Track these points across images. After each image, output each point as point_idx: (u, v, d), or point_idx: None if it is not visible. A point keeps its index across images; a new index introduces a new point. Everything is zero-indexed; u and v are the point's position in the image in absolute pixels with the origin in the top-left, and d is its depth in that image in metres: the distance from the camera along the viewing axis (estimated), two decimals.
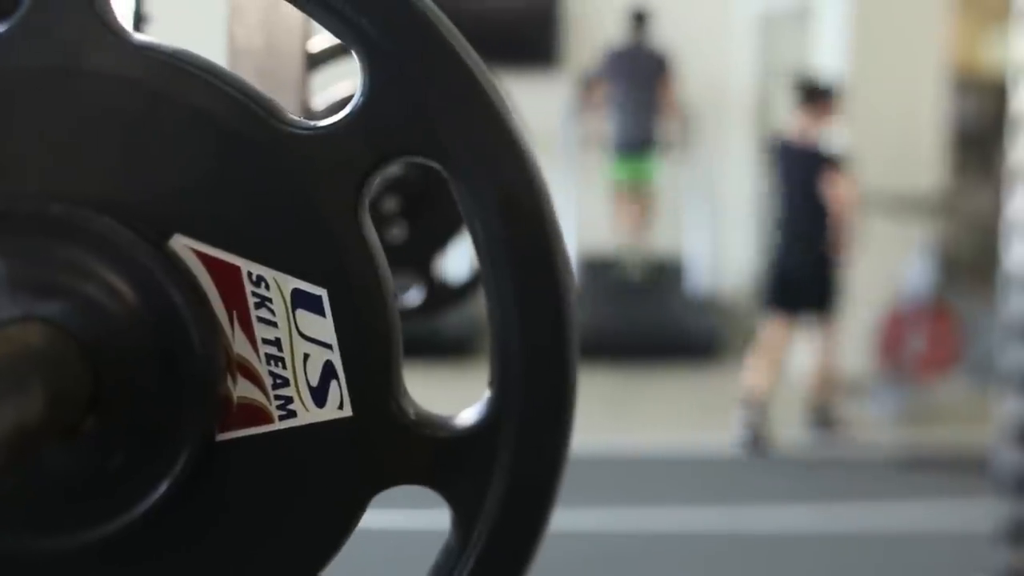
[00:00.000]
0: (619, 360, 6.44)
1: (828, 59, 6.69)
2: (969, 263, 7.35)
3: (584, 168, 7.61)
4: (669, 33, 7.66)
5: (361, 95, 0.44)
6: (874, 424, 5.68)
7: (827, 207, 5.28)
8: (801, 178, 5.38)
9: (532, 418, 0.46)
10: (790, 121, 5.72)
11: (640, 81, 7.39)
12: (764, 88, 8.07)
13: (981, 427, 4.66)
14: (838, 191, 5.32)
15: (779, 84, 7.78)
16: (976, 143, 9.40)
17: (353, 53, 0.44)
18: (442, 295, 1.73)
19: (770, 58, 8.07)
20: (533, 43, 8.00)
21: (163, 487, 0.45)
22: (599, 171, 7.68)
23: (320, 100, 1.59)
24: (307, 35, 1.24)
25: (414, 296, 1.73)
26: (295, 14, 1.21)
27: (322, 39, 1.53)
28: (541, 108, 6.97)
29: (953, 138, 6.97)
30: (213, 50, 0.74)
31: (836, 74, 6.27)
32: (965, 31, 8.37)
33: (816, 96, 5.51)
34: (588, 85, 7.50)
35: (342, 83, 1.66)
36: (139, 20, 1.10)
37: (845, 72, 6.37)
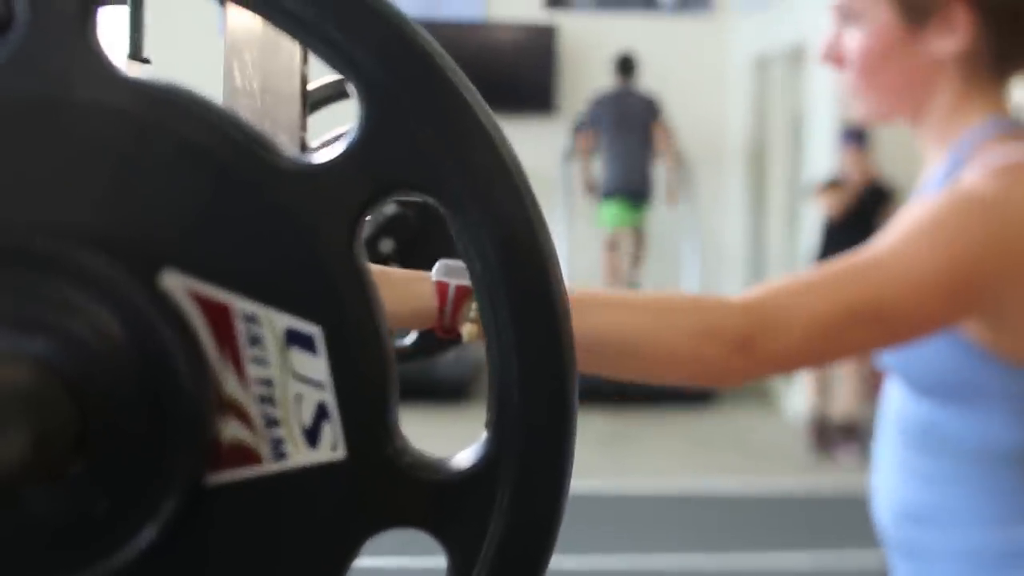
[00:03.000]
0: (615, 402, 6.43)
1: (822, 102, 6.74)
2: None
3: (578, 212, 7.64)
4: (664, 78, 7.71)
5: (359, 130, 0.43)
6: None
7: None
8: (856, 212, 5.70)
9: (530, 460, 0.45)
10: (843, 161, 6.01)
11: (630, 127, 7.46)
12: (758, 131, 8.11)
13: None
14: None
15: (773, 127, 7.83)
16: None
17: (352, 88, 0.43)
18: (437, 337, 1.72)
19: (764, 102, 8.13)
20: (530, 90, 8.08)
21: (150, 532, 0.44)
22: (592, 215, 7.71)
23: (317, 141, 1.58)
24: (305, 76, 1.24)
25: (409, 337, 1.73)
26: (293, 55, 1.21)
27: (320, 80, 1.53)
28: (538, 153, 7.02)
29: None
30: (210, 90, 0.73)
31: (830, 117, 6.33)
32: None
33: (861, 138, 5.81)
34: (578, 133, 7.58)
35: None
36: (136, 61, 1.10)
37: (839, 116, 6.42)
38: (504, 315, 0.44)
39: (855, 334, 1.16)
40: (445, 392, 6.54)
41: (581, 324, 1.06)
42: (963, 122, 1.33)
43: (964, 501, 1.35)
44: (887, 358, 1.35)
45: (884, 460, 1.45)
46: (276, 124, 1.20)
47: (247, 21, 0.92)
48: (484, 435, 0.45)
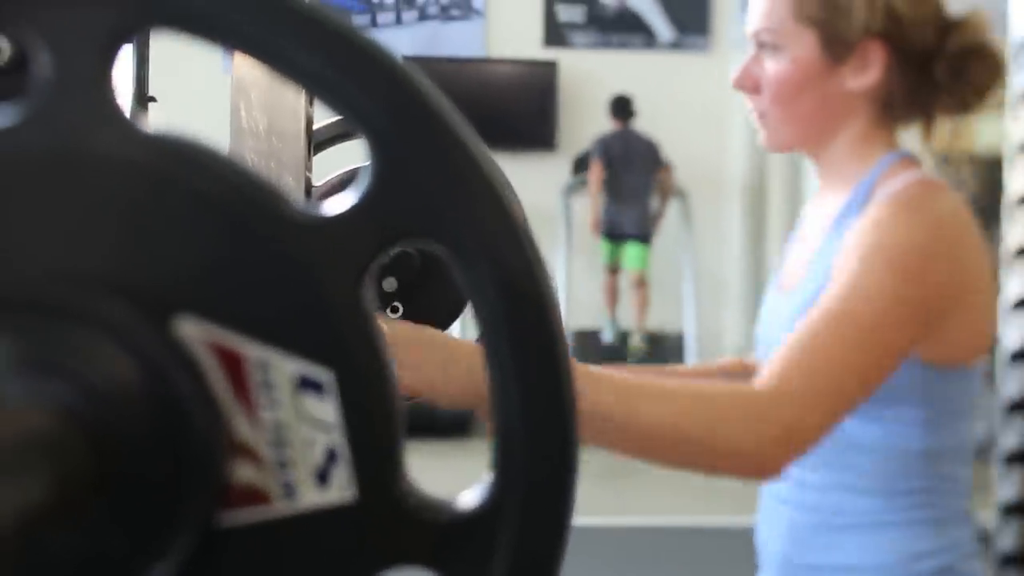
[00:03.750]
0: None
1: None
2: None
3: (577, 247, 7.68)
4: (663, 113, 7.76)
5: (369, 182, 0.45)
6: None
7: None
8: None
9: (534, 501, 0.46)
10: None
11: (635, 168, 7.51)
12: (757, 166, 8.15)
13: (980, 505, 4.64)
14: None
15: (772, 161, 7.86)
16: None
17: (363, 139, 0.45)
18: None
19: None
20: (530, 126, 8.12)
21: (163, 573, 0.45)
22: (592, 250, 7.75)
23: (322, 182, 1.60)
24: (310, 117, 1.26)
25: None
26: (299, 96, 1.23)
27: (324, 121, 1.55)
28: (538, 188, 7.06)
29: None
30: (214, 127, 0.75)
31: None
32: None
33: None
34: (590, 163, 7.62)
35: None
36: (143, 101, 1.12)
37: None
38: (507, 360, 0.45)
39: (865, 397, 1.23)
40: (446, 428, 6.54)
41: (633, 416, 1.10)
42: (867, 159, 1.41)
43: (869, 511, 1.37)
44: None
45: (771, 498, 1.48)
46: (281, 164, 1.22)
47: (254, 62, 0.94)
48: (488, 476, 0.47)
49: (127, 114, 0.46)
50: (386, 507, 0.47)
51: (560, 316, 0.46)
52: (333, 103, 0.45)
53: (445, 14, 8.43)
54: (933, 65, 1.40)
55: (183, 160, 0.46)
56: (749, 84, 1.41)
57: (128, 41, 0.46)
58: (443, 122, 0.45)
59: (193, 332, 0.45)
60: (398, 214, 0.45)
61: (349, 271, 0.46)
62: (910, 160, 1.43)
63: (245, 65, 1.12)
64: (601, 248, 7.61)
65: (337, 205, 0.46)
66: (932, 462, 1.36)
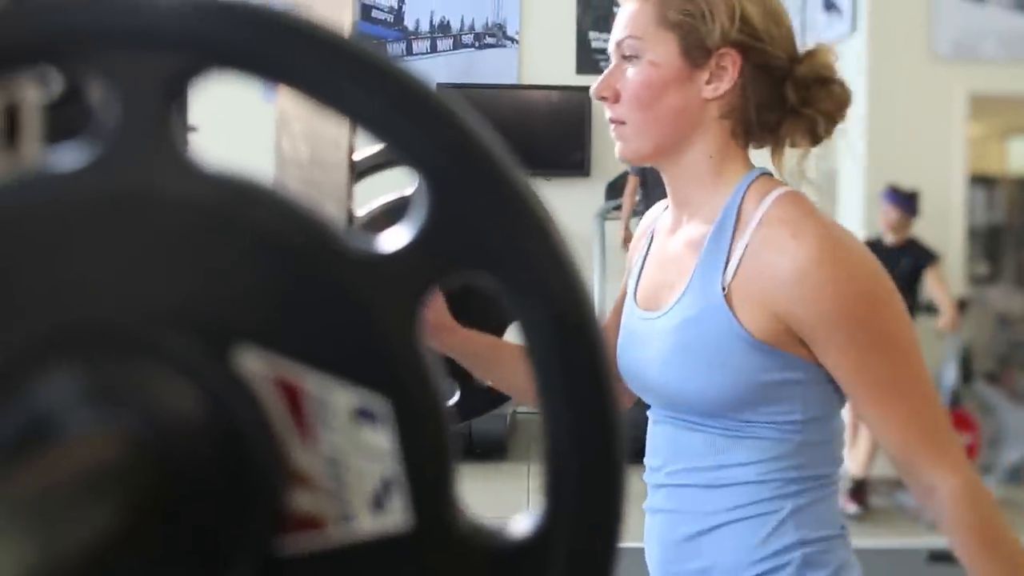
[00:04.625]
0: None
1: (855, 160, 6.76)
2: (986, 356, 7.36)
3: (611, 269, 7.67)
4: None
5: (424, 218, 0.47)
6: (908, 517, 5.67)
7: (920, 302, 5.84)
8: (904, 272, 5.79)
9: (586, 526, 0.47)
10: (885, 221, 6.09)
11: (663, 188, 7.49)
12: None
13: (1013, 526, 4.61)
14: (942, 284, 5.76)
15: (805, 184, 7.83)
16: (987, 236, 9.41)
17: (416, 175, 0.47)
18: (479, 399, 1.76)
19: (791, 159, 8.14)
20: (564, 151, 8.15)
21: None
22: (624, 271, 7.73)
23: (363, 210, 1.62)
24: (351, 147, 1.28)
25: (450, 400, 1.75)
26: (341, 126, 1.25)
27: (365, 151, 1.57)
28: (572, 212, 7.08)
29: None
30: (256, 158, 0.77)
31: (862, 175, 6.37)
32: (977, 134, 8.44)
33: (906, 201, 5.88)
34: (617, 191, 7.61)
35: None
36: (185, 130, 1.13)
37: (865, 174, 6.45)
38: (558, 389, 0.47)
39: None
40: (483, 450, 6.54)
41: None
42: (726, 176, 1.46)
43: (729, 509, 1.42)
44: (664, 405, 1.48)
45: (648, 510, 1.51)
46: (324, 193, 1.24)
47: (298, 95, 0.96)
48: (539, 502, 0.48)
49: (190, 153, 0.48)
50: (440, 533, 0.48)
51: (607, 348, 0.47)
52: (389, 141, 0.47)
53: (480, 42, 8.47)
54: (784, 87, 1.45)
55: (245, 199, 0.47)
56: (609, 93, 1.45)
57: (192, 83, 0.48)
58: (495, 160, 0.46)
59: (254, 365, 0.47)
60: (452, 248, 0.47)
61: (404, 304, 0.47)
62: (769, 176, 1.47)
63: (288, 97, 1.14)
64: None
65: (391, 240, 0.47)
66: (801, 456, 1.40)
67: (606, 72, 1.47)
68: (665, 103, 1.42)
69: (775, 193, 1.40)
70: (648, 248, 1.60)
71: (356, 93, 0.46)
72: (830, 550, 1.42)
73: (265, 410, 0.47)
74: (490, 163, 0.46)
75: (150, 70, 0.47)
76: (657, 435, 1.51)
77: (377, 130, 0.47)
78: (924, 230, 6.32)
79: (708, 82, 1.42)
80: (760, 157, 1.51)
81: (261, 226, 0.47)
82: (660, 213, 1.60)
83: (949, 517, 1.33)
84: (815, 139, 1.49)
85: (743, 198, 1.42)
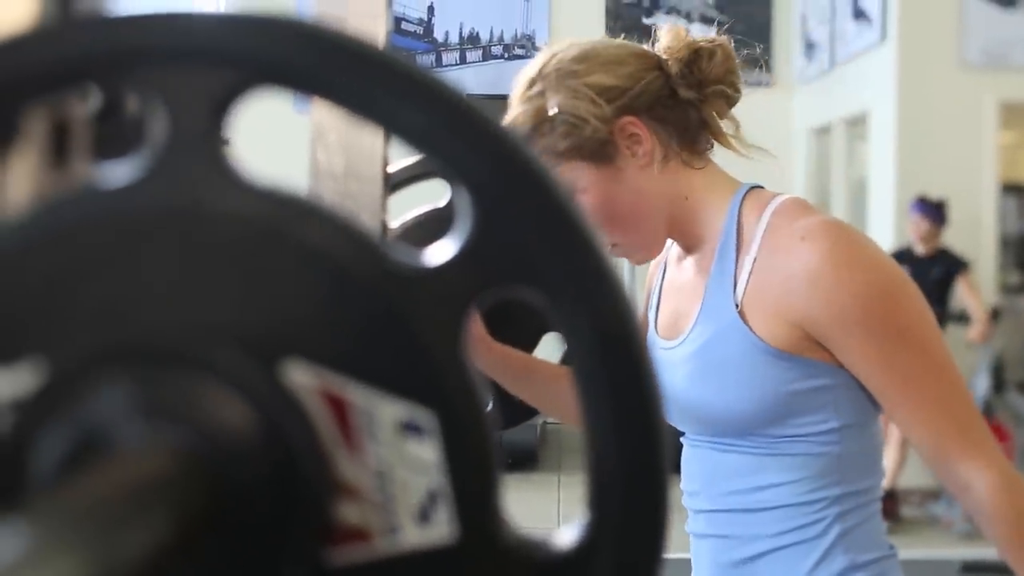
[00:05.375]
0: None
1: (884, 169, 6.75)
2: (1019, 366, 7.31)
3: (640, 282, 7.67)
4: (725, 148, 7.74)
5: (469, 233, 0.47)
6: (940, 528, 5.64)
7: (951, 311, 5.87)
8: (935, 282, 5.79)
9: (630, 538, 0.47)
10: (915, 232, 6.10)
11: None
12: (820, 198, 8.12)
13: None
14: (974, 292, 5.77)
15: (835, 194, 7.82)
16: (1019, 245, 9.36)
17: (460, 190, 0.47)
18: (511, 411, 1.76)
19: (825, 169, 8.14)
20: None
21: None
22: None
23: (396, 223, 1.63)
24: (386, 159, 1.28)
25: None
26: (376, 138, 1.25)
27: (400, 162, 1.58)
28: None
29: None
30: (288, 169, 0.77)
31: (892, 184, 6.35)
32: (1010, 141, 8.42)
33: (940, 211, 5.89)
34: None
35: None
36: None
37: (896, 183, 6.44)
38: (604, 403, 0.47)
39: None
40: (513, 460, 6.55)
41: None
42: (715, 204, 1.46)
43: (779, 533, 1.40)
44: (705, 427, 1.46)
45: (693, 536, 1.50)
46: (358, 205, 1.24)
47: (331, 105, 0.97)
48: (584, 515, 0.48)
49: (239, 168, 0.49)
50: (486, 545, 0.48)
51: (652, 362, 0.48)
52: (435, 156, 0.47)
53: (509, 53, 8.50)
54: (677, 95, 1.45)
55: (293, 213, 0.48)
56: None
57: (241, 99, 0.49)
58: (539, 174, 0.47)
59: (302, 378, 0.48)
60: (497, 262, 0.47)
61: (449, 318, 0.48)
62: (758, 188, 1.47)
63: (324, 109, 1.15)
64: None
65: (437, 255, 0.48)
66: (841, 470, 1.39)
67: None
68: (622, 209, 1.44)
69: (774, 204, 1.41)
70: (663, 278, 1.61)
71: (403, 109, 0.47)
72: (883, 573, 1.41)
73: (313, 423, 0.48)
74: (534, 177, 0.47)
75: (199, 86, 0.48)
76: (692, 460, 1.51)
77: (423, 145, 0.47)
78: (955, 239, 6.30)
79: (632, 156, 1.43)
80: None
81: (309, 241, 0.48)
82: (670, 245, 1.61)
83: (987, 511, 1.31)
84: (730, 101, 1.49)
85: (740, 215, 1.42)
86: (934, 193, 6.27)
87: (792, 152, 8.21)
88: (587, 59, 1.44)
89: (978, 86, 6.64)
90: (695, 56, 1.46)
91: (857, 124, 7.60)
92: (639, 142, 1.43)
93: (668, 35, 1.48)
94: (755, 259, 1.38)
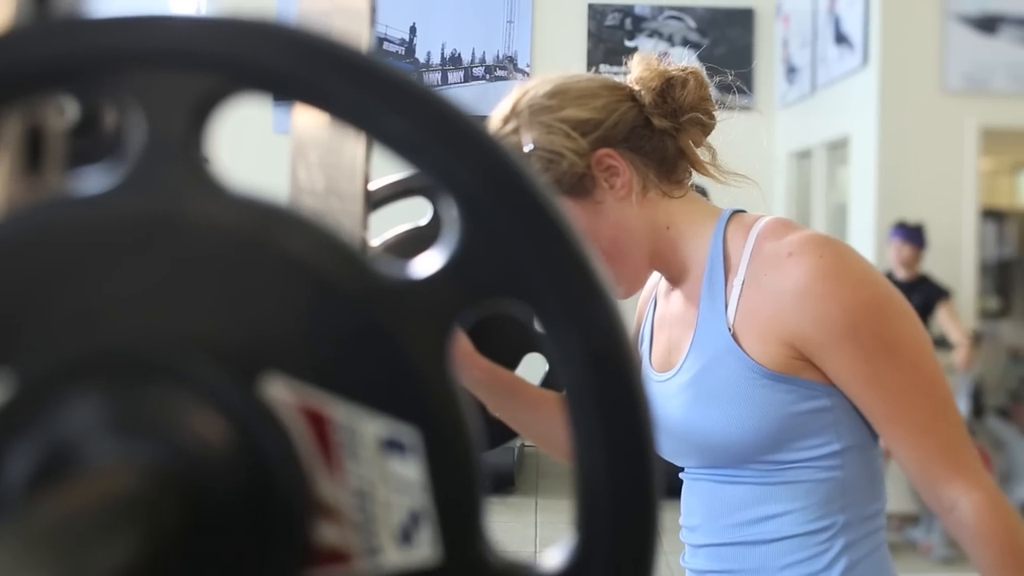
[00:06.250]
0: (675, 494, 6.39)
1: (864, 193, 6.76)
2: (998, 391, 7.34)
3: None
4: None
5: (457, 243, 0.46)
6: (918, 553, 5.65)
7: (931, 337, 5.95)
8: (915, 308, 5.85)
9: (620, 562, 0.46)
10: (896, 257, 6.11)
11: None
12: (800, 221, 8.14)
13: None
14: (955, 320, 5.77)
15: (815, 217, 7.84)
16: (998, 271, 9.40)
17: (452, 203, 0.46)
18: (491, 431, 1.74)
19: (806, 192, 8.16)
20: None
21: None
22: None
23: (376, 241, 1.62)
24: (368, 176, 1.27)
25: None
26: (357, 155, 1.24)
27: (381, 180, 1.57)
28: None
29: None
30: (275, 190, 0.76)
31: (872, 207, 6.37)
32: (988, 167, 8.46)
33: (915, 234, 5.90)
34: None
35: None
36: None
37: (876, 207, 6.45)
38: (593, 420, 0.45)
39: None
40: (491, 482, 6.52)
41: None
42: (699, 231, 1.46)
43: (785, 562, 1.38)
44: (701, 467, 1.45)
45: (690, 571, 1.49)
46: (339, 223, 1.23)
47: (313, 122, 0.95)
48: (572, 536, 0.47)
49: (218, 176, 0.47)
50: (470, 568, 0.47)
51: (641, 375, 0.46)
52: (423, 165, 0.46)
53: (491, 75, 8.51)
54: (652, 124, 1.45)
55: (273, 223, 0.46)
56: None
57: (220, 105, 0.47)
58: (530, 186, 0.45)
59: (280, 393, 0.46)
60: (485, 275, 0.46)
61: (435, 332, 0.46)
62: (740, 212, 1.47)
63: (305, 125, 1.13)
64: None
65: (423, 267, 0.46)
66: (846, 496, 1.37)
67: None
68: (603, 241, 1.43)
69: (758, 225, 1.40)
70: (654, 312, 1.60)
71: (389, 116, 0.45)
72: None
73: (292, 440, 0.46)
74: (525, 189, 0.45)
75: (177, 92, 0.46)
76: (692, 494, 1.49)
77: (410, 154, 0.46)
78: (935, 264, 6.31)
79: (610, 189, 1.42)
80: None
81: (289, 251, 0.46)
82: (659, 279, 1.60)
83: (972, 531, 1.29)
84: (706, 128, 1.49)
85: (724, 240, 1.42)
86: (914, 218, 6.28)
87: (773, 176, 8.22)
88: (559, 94, 1.43)
89: (959, 111, 6.67)
90: (668, 85, 1.45)
91: (838, 148, 7.62)
92: (616, 174, 1.42)
93: (640, 65, 1.48)
94: (743, 281, 1.37)
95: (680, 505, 1.51)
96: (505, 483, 6.71)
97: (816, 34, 7.77)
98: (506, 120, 1.44)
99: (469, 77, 8.50)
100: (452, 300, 0.46)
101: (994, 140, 7.00)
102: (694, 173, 1.50)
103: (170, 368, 0.45)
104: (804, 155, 8.21)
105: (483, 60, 8.58)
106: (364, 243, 1.34)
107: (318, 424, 0.46)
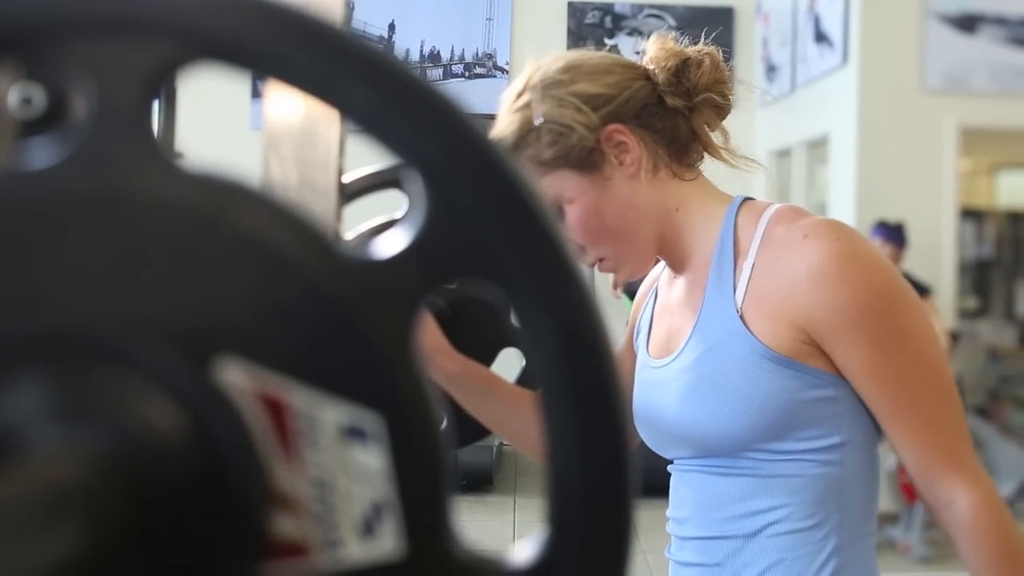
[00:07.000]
0: (650, 494, 6.39)
1: (843, 192, 6.77)
2: (976, 390, 7.36)
3: (605, 305, 7.68)
4: None
5: (423, 221, 0.43)
6: (896, 552, 5.66)
7: None
8: None
9: (592, 555, 0.44)
10: None
11: None
12: None
13: None
14: (934, 317, 5.76)
15: None
16: (976, 270, 9.43)
17: (413, 179, 0.43)
18: (466, 428, 1.72)
19: (786, 191, 8.17)
20: None
21: None
22: (618, 308, 7.72)
23: (351, 234, 1.59)
24: (341, 169, 1.25)
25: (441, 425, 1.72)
26: (331, 148, 1.22)
27: (355, 173, 1.55)
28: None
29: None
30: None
31: (851, 207, 6.38)
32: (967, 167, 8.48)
33: (895, 233, 5.89)
34: None
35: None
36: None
37: (856, 206, 6.46)
38: (563, 405, 0.43)
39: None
40: (468, 482, 6.50)
41: None
42: (709, 214, 1.44)
43: (773, 553, 1.36)
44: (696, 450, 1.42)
45: (676, 563, 1.47)
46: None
47: (286, 114, 0.93)
48: (543, 529, 0.45)
49: (170, 151, 0.45)
50: (434, 561, 0.44)
51: (615, 360, 0.44)
52: (385, 137, 0.44)
53: (470, 71, 8.48)
54: (665, 103, 1.44)
55: (227, 200, 0.44)
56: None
57: (173, 76, 0.45)
58: (497, 159, 0.43)
59: (236, 378, 0.44)
60: (450, 253, 0.44)
61: (398, 314, 0.44)
62: (751, 200, 1.45)
63: (278, 117, 1.11)
64: (625, 306, 7.60)
65: (386, 246, 0.44)
66: (842, 494, 1.36)
67: None
68: (611, 219, 1.41)
69: (770, 211, 1.39)
70: (654, 303, 1.58)
71: (351, 86, 0.43)
72: None
73: (247, 427, 0.44)
74: (492, 162, 0.43)
75: (128, 62, 0.44)
76: (683, 485, 1.46)
77: (372, 126, 0.44)
78: (914, 264, 6.32)
79: (620, 165, 1.40)
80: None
81: (245, 229, 0.44)
82: (661, 271, 1.58)
83: (967, 529, 1.28)
84: (721, 111, 1.48)
85: (735, 224, 1.40)
86: (893, 217, 6.29)
87: (753, 174, 8.23)
88: (572, 69, 1.42)
89: (938, 110, 6.67)
90: (683, 65, 1.44)
91: (818, 147, 7.62)
92: (626, 150, 1.40)
93: (655, 45, 1.46)
94: (753, 264, 1.35)
95: (664, 501, 1.48)
96: (483, 482, 6.69)
97: (796, 33, 7.77)
98: (519, 95, 1.43)
99: (448, 74, 8.47)
100: (417, 281, 0.44)
101: (973, 140, 7.01)
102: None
103: (118, 351, 0.43)
104: (784, 154, 8.21)
105: (462, 58, 8.55)
106: (338, 236, 1.32)
107: (276, 410, 0.44)
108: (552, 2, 8.72)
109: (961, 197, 7.21)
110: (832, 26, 7.08)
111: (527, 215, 0.43)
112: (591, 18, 8.69)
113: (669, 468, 1.49)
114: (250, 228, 0.44)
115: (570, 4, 8.74)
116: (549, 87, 1.41)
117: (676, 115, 1.44)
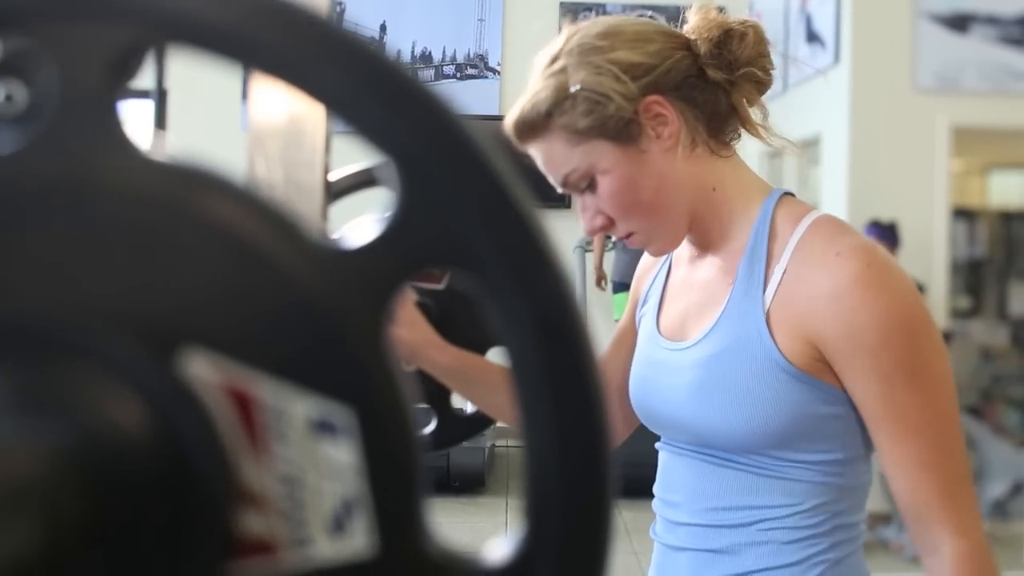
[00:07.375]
0: (633, 495, 6.38)
1: (835, 191, 6.77)
2: (969, 390, 7.36)
3: (592, 301, 7.66)
4: None
5: (397, 209, 0.42)
6: (889, 552, 5.66)
7: None
8: None
9: (569, 552, 0.42)
10: None
11: None
12: None
13: (1006, 561, 4.60)
14: None
15: None
16: (968, 270, 9.43)
17: (387, 167, 0.42)
18: (455, 427, 1.71)
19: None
20: (545, 182, 8.15)
21: None
22: (605, 303, 7.73)
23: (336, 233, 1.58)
24: (327, 167, 1.23)
25: (427, 428, 1.70)
26: (316, 147, 1.21)
27: (341, 171, 1.53)
28: (555, 243, 7.06)
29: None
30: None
31: (843, 206, 6.38)
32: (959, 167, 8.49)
33: (888, 233, 5.89)
34: None
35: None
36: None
37: (848, 206, 6.46)
38: (539, 396, 0.42)
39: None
40: (460, 483, 6.48)
41: None
42: (746, 200, 1.41)
43: (769, 554, 1.35)
44: (699, 439, 1.39)
45: (665, 546, 1.45)
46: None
47: (271, 112, 0.92)
48: (520, 525, 0.43)
49: (135, 138, 0.43)
50: (407, 560, 0.43)
51: (593, 348, 0.43)
52: (358, 123, 0.42)
53: (462, 73, 8.47)
54: (706, 75, 1.39)
55: (194, 188, 0.43)
56: (601, 222, 1.40)
57: (140, 58, 0.43)
58: (473, 145, 0.42)
59: (202, 370, 0.42)
60: (423, 241, 0.42)
61: (370, 304, 0.43)
62: (791, 196, 1.42)
63: (263, 116, 1.10)
64: (614, 302, 7.58)
65: (358, 235, 0.43)
66: (839, 502, 1.34)
67: (581, 210, 1.41)
68: (645, 192, 1.37)
69: (810, 217, 1.34)
70: (667, 278, 1.54)
71: (323, 71, 0.42)
72: None
73: (212, 421, 0.42)
74: (467, 148, 0.42)
75: (93, 44, 0.43)
76: (677, 468, 1.44)
77: (345, 111, 0.42)
78: (906, 263, 6.32)
79: (657, 138, 1.36)
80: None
81: (213, 218, 0.42)
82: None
83: None
84: (761, 86, 1.43)
85: (772, 219, 1.37)
86: (885, 217, 6.28)
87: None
88: (611, 35, 1.37)
89: (930, 110, 6.67)
90: (726, 37, 1.39)
91: (809, 147, 7.62)
92: (665, 123, 1.36)
93: (697, 15, 1.41)
94: (785, 270, 1.32)
95: (654, 488, 1.46)
96: (475, 483, 6.67)
97: (788, 32, 7.77)
98: (554, 59, 1.38)
99: (440, 75, 8.45)
100: (390, 270, 0.43)
101: (965, 139, 7.01)
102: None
103: (78, 343, 0.41)
104: (775, 154, 8.21)
105: (454, 58, 8.54)
106: (324, 234, 1.30)
107: (243, 404, 0.43)
108: (543, 3, 8.71)
109: (953, 197, 7.19)
110: (824, 26, 7.07)
111: (503, 201, 0.42)
112: (583, 18, 8.69)
113: (658, 445, 1.47)
114: (216, 216, 0.42)
115: (561, 4, 8.73)
116: (586, 53, 1.36)
117: (716, 88, 1.39)
